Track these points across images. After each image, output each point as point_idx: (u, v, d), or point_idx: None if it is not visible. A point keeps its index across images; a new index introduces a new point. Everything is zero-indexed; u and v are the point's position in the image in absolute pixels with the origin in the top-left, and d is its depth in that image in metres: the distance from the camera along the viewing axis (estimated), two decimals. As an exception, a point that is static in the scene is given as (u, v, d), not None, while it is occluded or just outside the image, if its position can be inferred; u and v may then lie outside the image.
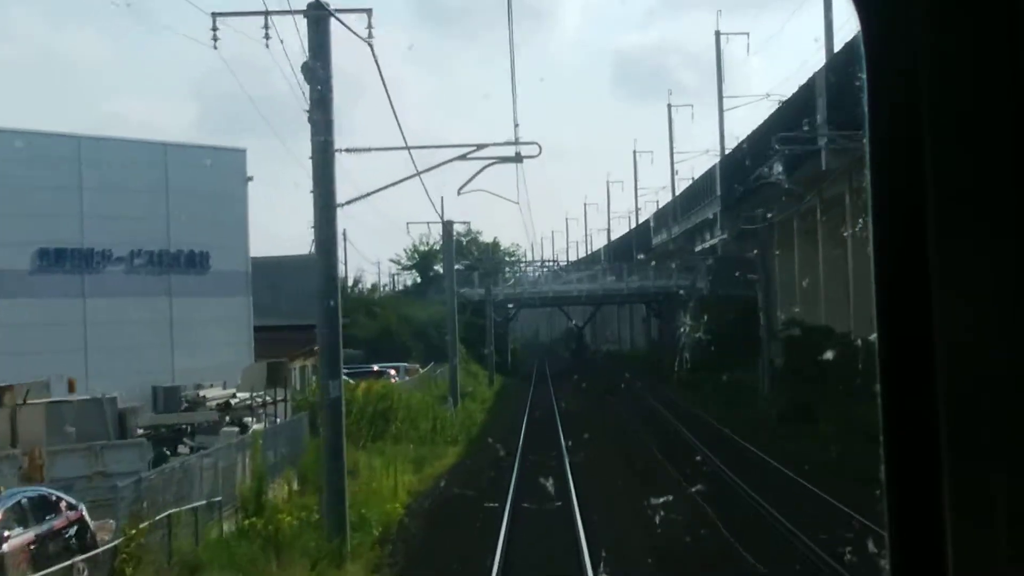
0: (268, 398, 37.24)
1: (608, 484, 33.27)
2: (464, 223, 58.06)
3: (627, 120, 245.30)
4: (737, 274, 75.07)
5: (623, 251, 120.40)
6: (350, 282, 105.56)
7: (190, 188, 46.13)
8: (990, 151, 2.18)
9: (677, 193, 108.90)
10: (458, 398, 57.60)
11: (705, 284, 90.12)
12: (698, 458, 36.74)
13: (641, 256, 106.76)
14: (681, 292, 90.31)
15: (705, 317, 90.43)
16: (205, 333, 40.48)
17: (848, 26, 56.52)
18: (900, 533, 2.26)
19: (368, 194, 27.02)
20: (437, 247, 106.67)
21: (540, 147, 37.36)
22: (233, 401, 32.83)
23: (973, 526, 2.17)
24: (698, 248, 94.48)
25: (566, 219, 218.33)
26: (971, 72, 2.18)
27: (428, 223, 63.52)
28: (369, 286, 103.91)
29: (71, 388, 35.31)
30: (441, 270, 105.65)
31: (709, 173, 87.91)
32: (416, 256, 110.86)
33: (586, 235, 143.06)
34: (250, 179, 52.01)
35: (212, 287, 47.85)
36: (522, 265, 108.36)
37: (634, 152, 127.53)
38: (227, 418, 32.33)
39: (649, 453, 39.74)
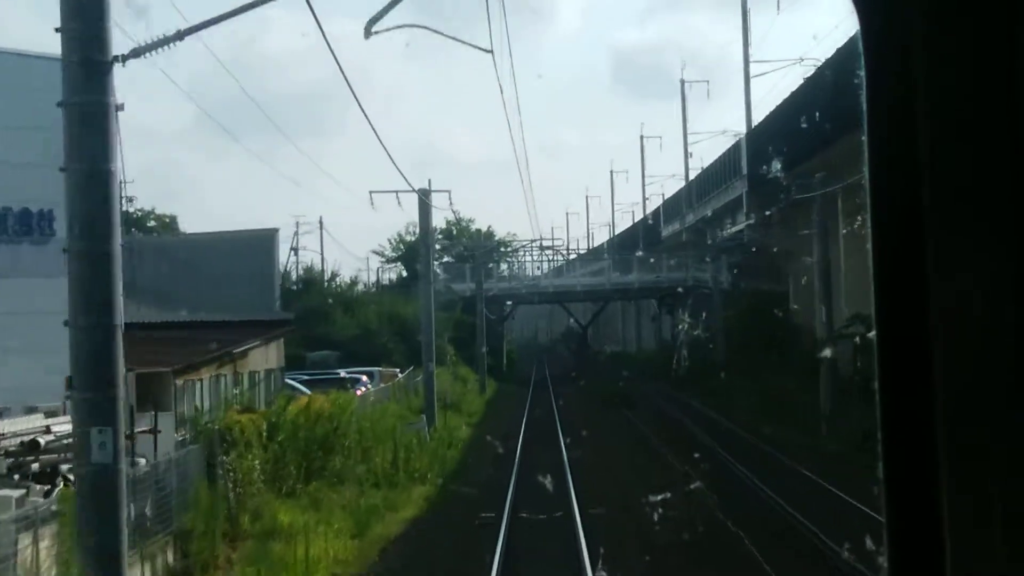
0: (147, 427, 24.48)
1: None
2: (443, 192, 44.23)
3: (626, 117, 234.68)
4: (769, 260, 63.42)
5: (629, 245, 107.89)
6: (327, 276, 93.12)
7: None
8: (988, 149, 2.15)
9: (689, 181, 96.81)
10: (435, 415, 44.89)
11: (726, 276, 77.61)
12: (800, 534, 23.57)
13: (640, 254, 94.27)
14: (705, 287, 78.03)
15: (707, 315, 78.61)
16: (42, 333, 25.49)
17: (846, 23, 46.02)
18: (898, 531, 2.22)
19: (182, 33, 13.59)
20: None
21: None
22: (45, 438, 19.99)
23: (972, 524, 2.13)
24: (717, 237, 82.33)
25: (567, 214, 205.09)
26: (970, 70, 2.16)
27: (397, 192, 49.89)
28: (347, 280, 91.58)
29: None
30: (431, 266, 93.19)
31: (731, 152, 75.52)
32: (401, 247, 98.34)
33: (587, 231, 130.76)
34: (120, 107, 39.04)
35: (58, 263, 33.88)
36: (520, 256, 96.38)
37: (641, 137, 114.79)
38: (27, 465, 19.39)
39: (709, 513, 24.02)
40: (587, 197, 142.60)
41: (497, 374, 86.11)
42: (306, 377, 56.06)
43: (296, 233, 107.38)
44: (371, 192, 45.14)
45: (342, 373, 57.73)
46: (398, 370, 66.60)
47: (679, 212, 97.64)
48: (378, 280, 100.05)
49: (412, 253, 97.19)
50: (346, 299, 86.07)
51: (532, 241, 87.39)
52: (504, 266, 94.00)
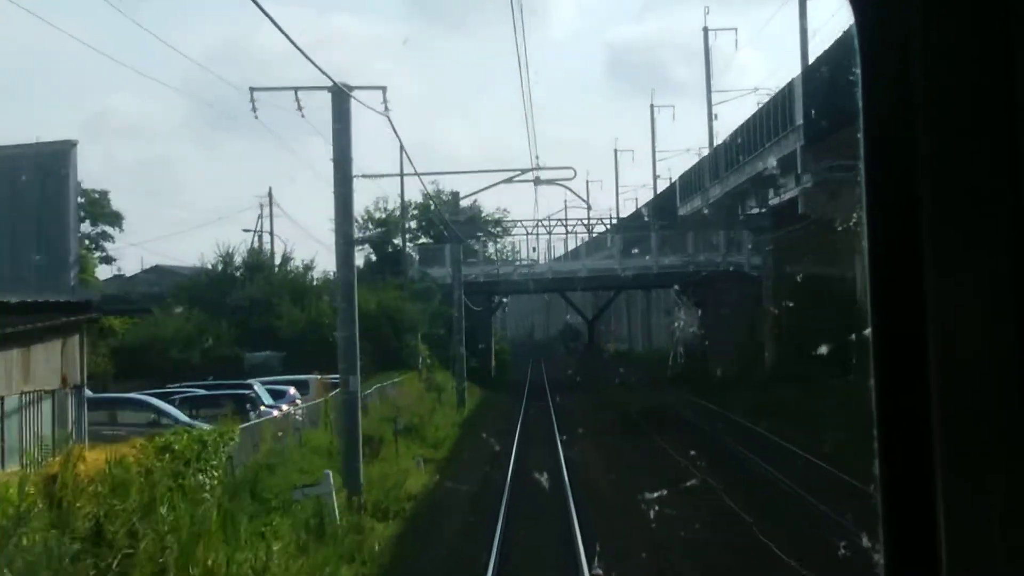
0: None
1: None
2: (375, 89, 26.67)
3: (622, 115, 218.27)
4: (830, 237, 47.01)
5: (637, 230, 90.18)
6: (277, 259, 75.50)
7: None
8: (984, 145, 2.14)
9: (716, 147, 79.45)
10: (358, 466, 26.64)
11: (769, 260, 59.97)
12: None
13: (659, 232, 76.58)
14: (744, 272, 60.73)
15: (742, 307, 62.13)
16: None
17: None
18: (895, 529, 2.21)
19: None
20: (398, 212, 76.52)
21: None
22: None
23: (968, 522, 2.12)
24: (756, 208, 65.20)
25: (565, 201, 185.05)
26: (966, 66, 2.15)
27: (296, 90, 30.99)
28: (301, 263, 73.87)
29: None
30: (403, 244, 75.38)
31: (779, 100, 58.07)
32: (369, 225, 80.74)
33: (588, 218, 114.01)
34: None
35: None
36: (513, 235, 79.08)
37: (651, 106, 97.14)
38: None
39: None
40: (587, 182, 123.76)
41: (483, 379, 68.62)
42: (199, 392, 38.50)
43: (260, 216, 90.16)
44: (252, 89, 26.64)
45: (253, 388, 40.04)
46: (317, 377, 49.06)
47: (699, 187, 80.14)
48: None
49: (383, 233, 79.52)
50: (296, 288, 68.41)
51: (537, 222, 69.71)
52: (493, 247, 76.37)
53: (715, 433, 39.80)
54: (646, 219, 79.44)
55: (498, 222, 79.46)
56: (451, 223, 52.40)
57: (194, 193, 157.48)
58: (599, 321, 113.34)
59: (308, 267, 73.55)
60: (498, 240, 72.59)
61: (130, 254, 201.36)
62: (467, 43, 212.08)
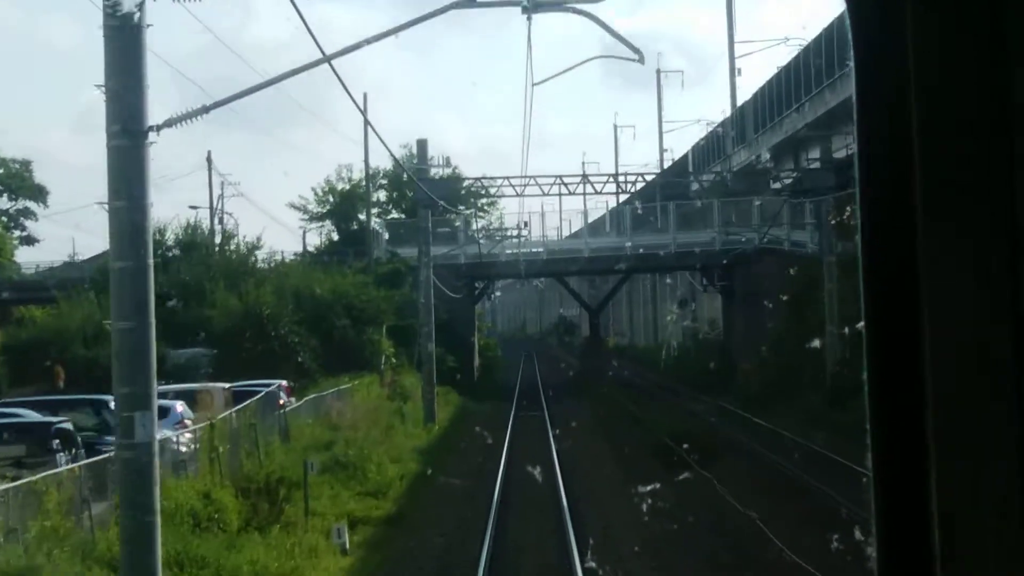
0: None
1: None
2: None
3: (619, 105, 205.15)
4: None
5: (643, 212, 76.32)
6: (217, 238, 62.02)
7: None
8: (980, 141, 2.11)
9: (741, 105, 66.80)
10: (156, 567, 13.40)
11: (827, 230, 46.39)
12: None
13: (680, 203, 63.09)
14: (794, 248, 47.58)
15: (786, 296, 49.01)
16: None
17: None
18: (888, 526, 2.18)
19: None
20: (364, 185, 62.85)
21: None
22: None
23: (961, 519, 2.11)
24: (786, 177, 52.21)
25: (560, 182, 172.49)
26: (961, 62, 2.13)
27: None
28: (244, 242, 60.26)
29: None
30: (367, 217, 61.60)
31: (835, 30, 45.04)
32: (330, 199, 67.17)
33: (584, 201, 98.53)
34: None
35: None
36: (500, 207, 65.64)
37: (657, 71, 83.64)
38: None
39: None
40: (583, 163, 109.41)
41: (465, 382, 55.15)
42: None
43: (221, 195, 76.84)
44: None
45: (103, 407, 26.49)
46: (225, 387, 35.61)
47: (719, 154, 66.79)
48: (304, 247, 68.84)
49: (345, 208, 65.99)
50: (236, 271, 54.90)
51: (528, 178, 55.31)
52: (476, 222, 62.60)
53: (779, 467, 26.45)
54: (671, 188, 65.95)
55: (483, 192, 65.80)
56: (417, 178, 38.91)
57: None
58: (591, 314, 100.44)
59: (254, 247, 60.11)
60: (485, 211, 58.73)
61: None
62: (465, 39, 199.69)
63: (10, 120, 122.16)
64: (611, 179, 48.81)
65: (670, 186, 67.93)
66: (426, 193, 37.85)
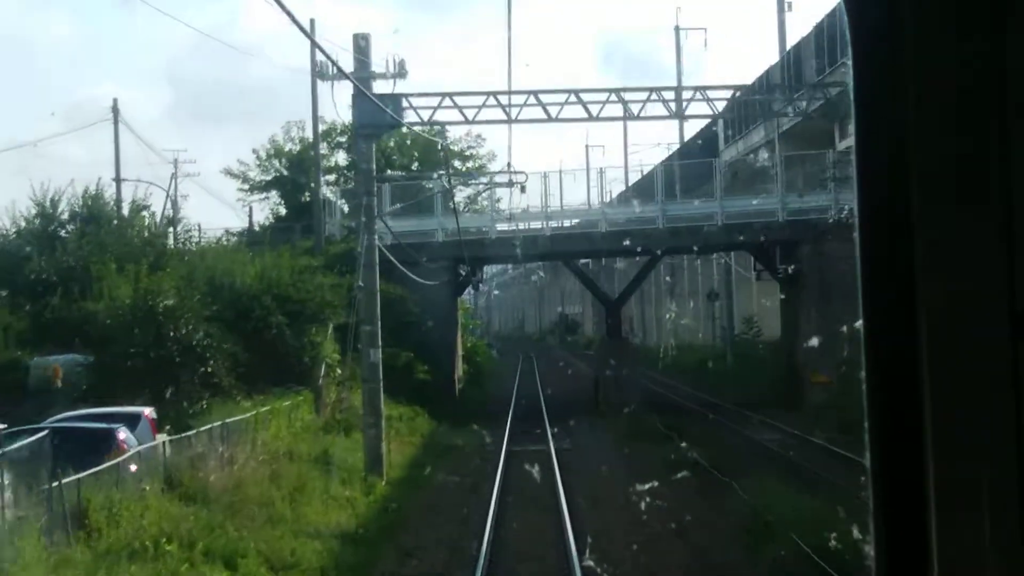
0: None
1: None
2: None
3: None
4: None
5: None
6: (125, 208, 47.34)
7: None
8: (977, 143, 2.10)
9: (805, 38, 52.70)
10: None
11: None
12: None
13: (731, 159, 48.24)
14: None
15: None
16: None
17: None
18: (886, 526, 2.17)
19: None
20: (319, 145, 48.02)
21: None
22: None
23: (958, 520, 2.09)
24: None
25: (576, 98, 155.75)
26: (959, 63, 2.10)
27: None
28: (162, 215, 45.18)
29: None
30: (319, 191, 46.59)
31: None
32: (276, 164, 52.29)
33: (587, 188, 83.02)
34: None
35: None
36: (488, 170, 50.89)
37: (676, 28, 68.52)
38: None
39: None
40: (586, 146, 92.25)
41: (442, 399, 40.39)
42: None
43: (174, 176, 62.29)
44: None
45: None
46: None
47: (763, 111, 52.02)
48: (250, 225, 53.92)
49: (295, 175, 51.00)
50: (135, 251, 40.15)
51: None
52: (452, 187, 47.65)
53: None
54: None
55: (471, 153, 51.11)
56: (357, 90, 24.17)
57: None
58: (600, 308, 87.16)
59: (171, 221, 45.32)
60: (469, 158, 43.62)
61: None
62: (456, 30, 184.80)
63: None
64: (653, 95, 32.97)
65: (749, 107, 51.21)
66: (371, 100, 23.18)
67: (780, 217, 39.91)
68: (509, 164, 29.40)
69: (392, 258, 36.47)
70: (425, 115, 25.60)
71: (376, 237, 26.90)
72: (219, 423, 24.22)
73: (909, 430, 2.10)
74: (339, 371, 35.69)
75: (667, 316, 73.58)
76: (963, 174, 2.07)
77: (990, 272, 2.06)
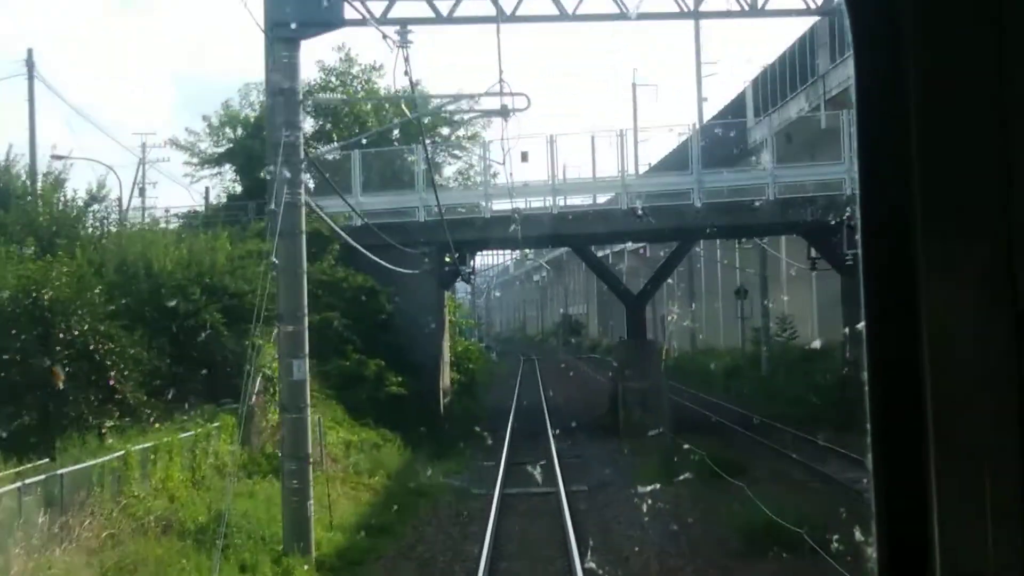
0: None
1: None
2: None
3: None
4: None
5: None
6: (35, 180, 38.51)
7: None
8: (978, 146, 2.08)
9: None
10: None
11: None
12: None
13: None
14: None
15: None
16: None
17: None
18: (888, 526, 2.14)
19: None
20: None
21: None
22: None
23: (960, 519, 2.07)
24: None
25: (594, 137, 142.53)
26: (960, 66, 2.08)
27: None
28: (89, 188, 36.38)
29: None
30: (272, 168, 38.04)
31: None
32: (226, 134, 43.44)
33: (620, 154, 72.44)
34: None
35: None
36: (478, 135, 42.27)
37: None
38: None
39: None
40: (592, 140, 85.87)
41: (422, 418, 31.49)
42: None
43: (142, 161, 53.97)
44: None
45: None
46: None
47: (807, 75, 43.41)
48: (206, 202, 45.12)
49: (255, 142, 41.97)
50: (39, 231, 31.39)
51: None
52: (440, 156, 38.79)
53: None
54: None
55: (458, 120, 42.28)
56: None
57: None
58: (603, 312, 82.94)
59: (94, 196, 36.60)
60: (453, 101, 34.91)
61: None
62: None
63: None
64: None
65: (714, 140, 43.99)
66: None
67: (848, 189, 31.24)
68: (501, 80, 20.95)
69: (350, 240, 28.04)
70: (378, 8, 16.91)
71: (303, 192, 18.13)
72: (100, 460, 15.61)
73: (911, 430, 2.06)
74: (276, 386, 27.04)
75: (669, 318, 65.06)
76: (964, 173, 2.03)
77: (992, 272, 2.02)
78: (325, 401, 28.61)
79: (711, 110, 64.67)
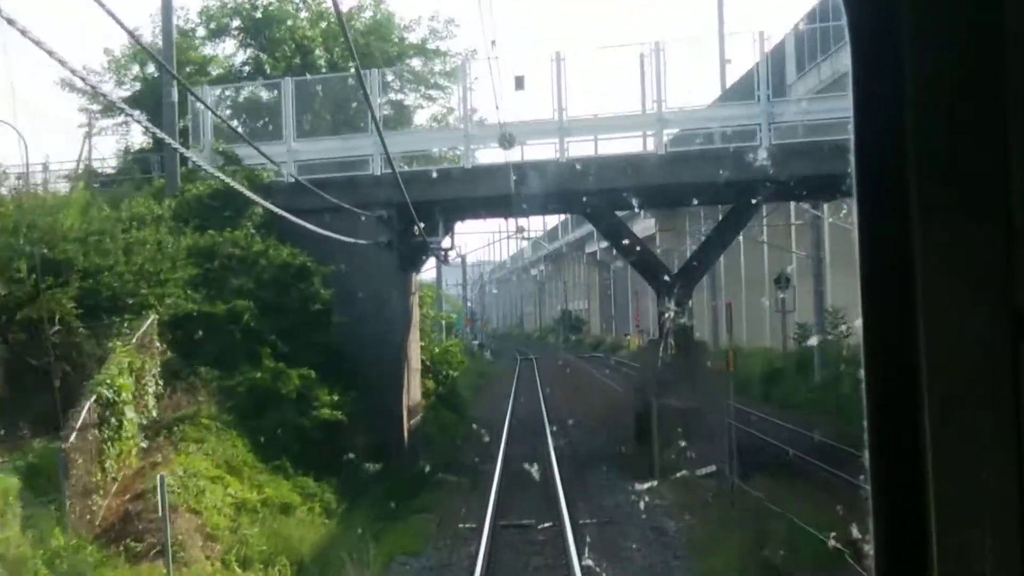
0: None
1: None
2: None
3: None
4: None
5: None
6: None
7: None
8: (977, 141, 2.04)
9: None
10: None
11: None
12: None
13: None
14: None
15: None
16: None
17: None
18: (887, 527, 2.10)
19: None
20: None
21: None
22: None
23: (959, 520, 2.04)
24: None
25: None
26: (959, 62, 2.04)
27: None
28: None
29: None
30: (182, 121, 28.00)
31: None
32: (137, 73, 33.59)
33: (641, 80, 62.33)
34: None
35: None
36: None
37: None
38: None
39: None
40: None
41: (377, 450, 21.50)
42: None
43: (89, 126, 43.58)
44: None
45: None
46: None
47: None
48: (89, 154, 35.11)
49: (152, 87, 31.87)
50: None
51: None
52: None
53: None
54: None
55: (432, 50, 32.44)
56: None
57: None
58: (608, 302, 77.10)
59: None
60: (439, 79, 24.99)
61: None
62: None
63: None
64: None
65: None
66: None
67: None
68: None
69: (259, 199, 18.53)
70: None
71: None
72: None
73: (909, 430, 2.05)
74: (140, 413, 17.14)
75: (669, 315, 55.30)
76: (963, 172, 2.02)
77: (990, 271, 2.02)
78: (221, 433, 18.74)
79: (735, 74, 54.98)
